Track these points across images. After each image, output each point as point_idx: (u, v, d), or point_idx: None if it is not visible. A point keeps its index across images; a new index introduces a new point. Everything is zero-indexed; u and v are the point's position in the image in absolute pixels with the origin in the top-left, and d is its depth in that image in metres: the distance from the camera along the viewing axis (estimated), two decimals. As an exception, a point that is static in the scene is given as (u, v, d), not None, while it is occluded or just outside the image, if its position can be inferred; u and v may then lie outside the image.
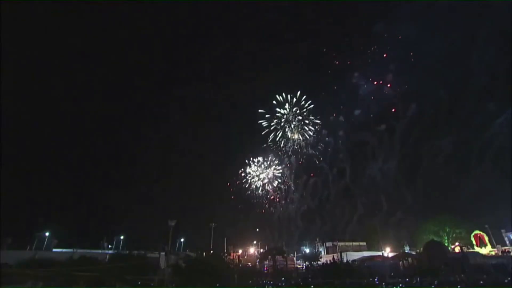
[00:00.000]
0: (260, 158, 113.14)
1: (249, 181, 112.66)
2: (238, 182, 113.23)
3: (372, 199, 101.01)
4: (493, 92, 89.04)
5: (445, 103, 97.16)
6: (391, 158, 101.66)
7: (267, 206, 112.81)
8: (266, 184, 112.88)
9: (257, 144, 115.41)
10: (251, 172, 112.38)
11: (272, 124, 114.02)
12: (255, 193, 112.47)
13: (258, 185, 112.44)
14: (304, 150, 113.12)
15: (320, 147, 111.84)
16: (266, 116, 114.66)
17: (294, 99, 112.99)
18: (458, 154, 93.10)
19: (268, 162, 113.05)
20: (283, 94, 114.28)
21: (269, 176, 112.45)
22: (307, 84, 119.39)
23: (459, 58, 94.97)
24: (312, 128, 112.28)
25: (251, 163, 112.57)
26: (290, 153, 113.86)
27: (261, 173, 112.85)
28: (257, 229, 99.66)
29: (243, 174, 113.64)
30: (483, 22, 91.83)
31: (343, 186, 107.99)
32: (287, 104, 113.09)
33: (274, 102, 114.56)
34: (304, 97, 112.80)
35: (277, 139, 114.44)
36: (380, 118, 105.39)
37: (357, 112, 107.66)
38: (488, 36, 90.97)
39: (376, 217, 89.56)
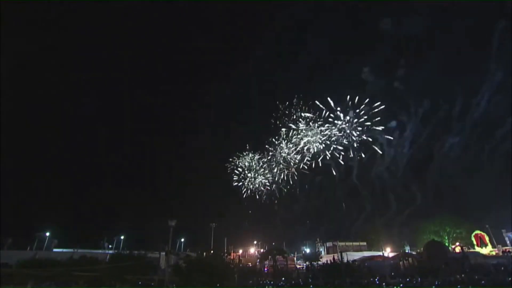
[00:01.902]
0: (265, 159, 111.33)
1: (251, 180, 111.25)
2: (240, 181, 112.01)
3: (378, 198, 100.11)
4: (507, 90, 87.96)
5: (459, 100, 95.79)
6: (400, 156, 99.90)
7: (270, 205, 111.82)
8: (269, 184, 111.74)
9: (261, 142, 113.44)
10: (254, 171, 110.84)
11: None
12: (257, 192, 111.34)
13: (261, 184, 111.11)
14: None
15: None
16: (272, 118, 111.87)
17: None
18: (468, 154, 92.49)
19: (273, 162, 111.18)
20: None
21: (272, 175, 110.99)
22: (312, 82, 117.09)
23: (473, 54, 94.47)
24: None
25: (257, 162, 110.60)
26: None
27: (265, 173, 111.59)
28: (258, 229, 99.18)
29: (245, 173, 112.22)
30: (500, 18, 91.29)
31: (349, 185, 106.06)
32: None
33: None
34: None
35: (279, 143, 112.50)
36: (390, 114, 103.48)
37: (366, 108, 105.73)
38: (505, 32, 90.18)
39: (383, 217, 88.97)
